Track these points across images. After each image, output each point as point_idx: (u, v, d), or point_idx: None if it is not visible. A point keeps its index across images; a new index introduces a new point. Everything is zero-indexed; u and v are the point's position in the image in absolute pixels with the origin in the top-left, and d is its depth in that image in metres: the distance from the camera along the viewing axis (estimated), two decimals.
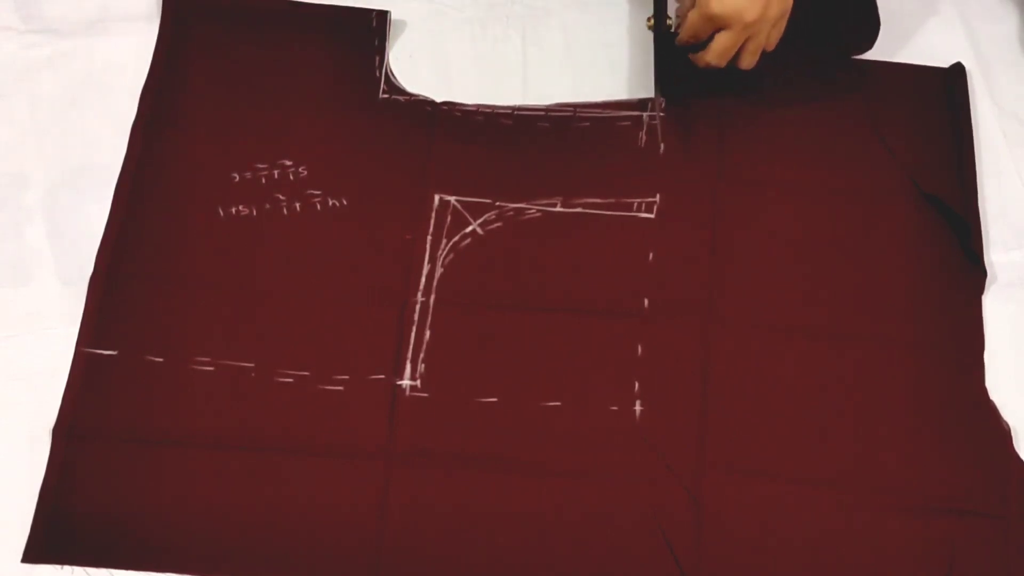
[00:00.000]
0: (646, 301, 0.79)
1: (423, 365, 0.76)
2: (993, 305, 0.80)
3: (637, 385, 0.76)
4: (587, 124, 0.86)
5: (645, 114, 0.86)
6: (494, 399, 0.75)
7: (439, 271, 0.79)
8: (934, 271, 0.80)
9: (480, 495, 0.72)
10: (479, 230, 0.81)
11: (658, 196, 0.83)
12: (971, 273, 0.80)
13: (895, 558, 0.71)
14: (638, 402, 0.76)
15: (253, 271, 0.79)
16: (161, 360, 0.75)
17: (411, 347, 0.76)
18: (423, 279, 0.79)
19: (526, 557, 0.71)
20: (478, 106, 0.86)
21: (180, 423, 0.73)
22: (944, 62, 0.90)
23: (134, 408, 0.74)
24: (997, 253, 0.82)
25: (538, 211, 0.82)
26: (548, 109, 0.86)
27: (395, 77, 0.87)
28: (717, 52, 0.80)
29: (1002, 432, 0.74)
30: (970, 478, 0.73)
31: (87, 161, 0.84)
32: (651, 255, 0.80)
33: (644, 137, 0.85)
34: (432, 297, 0.78)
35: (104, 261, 0.78)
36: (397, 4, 0.92)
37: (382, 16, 0.89)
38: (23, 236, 0.81)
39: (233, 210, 0.81)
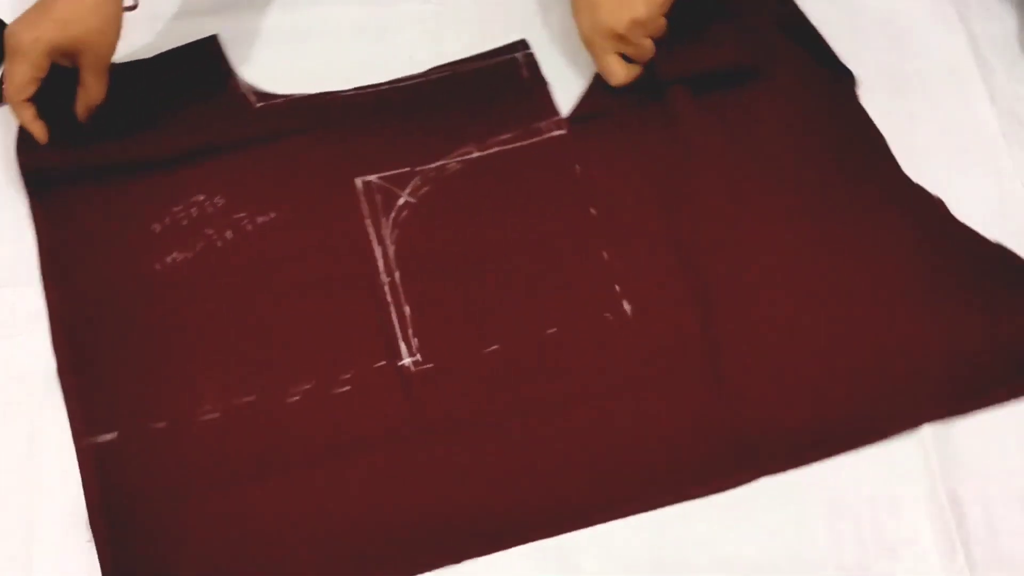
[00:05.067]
0: (593, 210, 0.81)
1: (416, 339, 0.76)
2: None
3: (618, 287, 0.78)
4: (470, 77, 0.88)
5: (518, 54, 0.89)
6: (496, 347, 0.76)
7: (391, 248, 0.79)
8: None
9: (517, 442, 0.73)
10: (411, 199, 0.81)
11: (559, 114, 0.86)
12: (843, 84, 0.85)
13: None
14: (624, 302, 0.77)
15: (218, 309, 0.77)
16: (164, 424, 0.73)
17: (398, 327, 0.77)
18: (380, 261, 0.79)
19: (574, 485, 0.72)
20: (357, 89, 0.87)
21: (207, 473, 0.72)
22: (944, 62, 0.90)
23: (159, 477, 0.71)
24: None
25: (458, 163, 0.83)
26: (427, 74, 0.88)
27: (256, 85, 0.87)
28: (639, 54, 0.84)
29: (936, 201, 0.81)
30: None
31: None
32: (577, 167, 0.83)
33: (526, 72, 0.88)
34: (397, 274, 0.78)
35: (65, 357, 0.75)
36: (398, 4, 0.92)
37: (212, 42, 0.89)
38: (23, 236, 0.81)
39: (169, 260, 0.79)
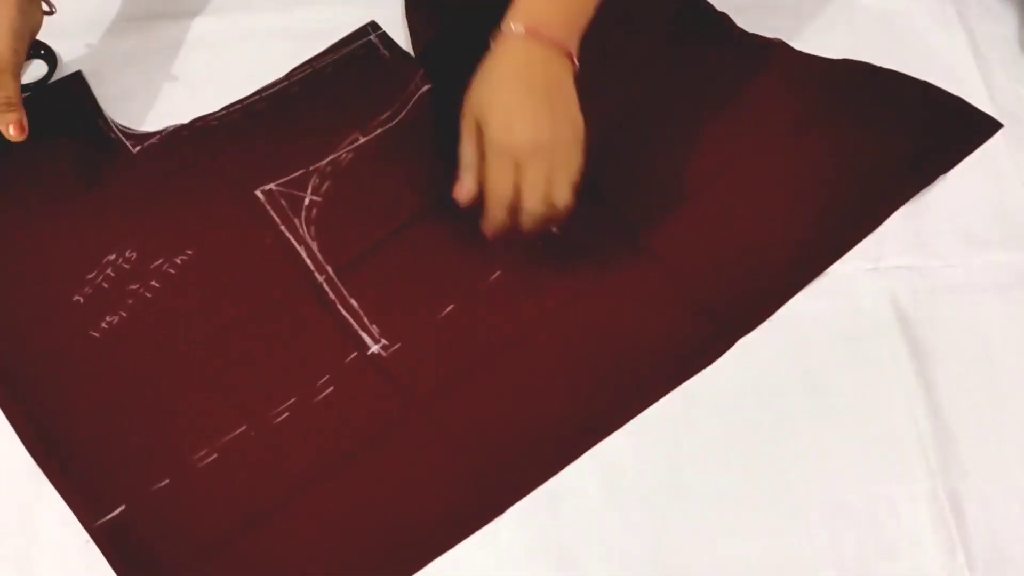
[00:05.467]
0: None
1: (375, 326, 0.77)
2: (993, 305, 0.80)
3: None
4: (332, 69, 0.88)
5: (372, 36, 0.90)
6: (450, 307, 0.77)
7: (314, 245, 0.80)
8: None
9: (510, 387, 0.74)
10: (316, 197, 0.81)
11: (420, 75, 0.87)
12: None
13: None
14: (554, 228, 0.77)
15: (175, 357, 0.75)
16: (167, 481, 0.71)
17: (352, 320, 0.77)
18: (309, 262, 0.79)
19: (575, 405, 0.74)
20: (225, 108, 0.86)
21: (226, 515, 0.70)
22: (944, 62, 0.90)
23: (178, 534, 0.70)
24: (997, 253, 0.82)
25: (349, 152, 0.83)
26: (289, 75, 0.88)
27: (126, 127, 0.85)
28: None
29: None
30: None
31: None
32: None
33: (384, 50, 0.90)
34: (329, 269, 0.79)
35: (42, 453, 0.72)
36: (398, 4, 0.92)
37: (79, 81, 0.87)
38: None
39: (105, 325, 0.76)
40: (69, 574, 0.69)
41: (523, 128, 0.70)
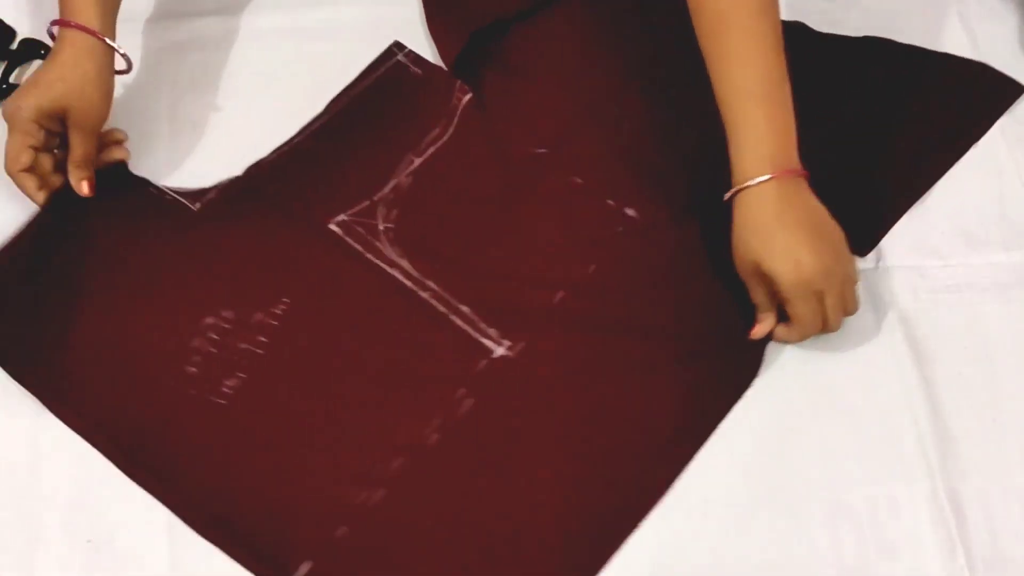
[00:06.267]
0: (542, 149, 0.85)
1: (493, 329, 0.77)
2: (993, 305, 0.80)
3: (611, 202, 0.83)
4: (369, 95, 0.88)
5: (399, 57, 0.90)
6: (561, 293, 0.79)
7: (406, 264, 0.79)
8: None
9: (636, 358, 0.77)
10: (389, 224, 0.81)
11: (459, 85, 0.88)
12: None
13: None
14: (628, 209, 0.81)
15: (309, 406, 0.74)
16: (346, 528, 0.70)
17: (469, 327, 0.77)
18: (407, 282, 0.79)
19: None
20: (275, 151, 0.84)
21: (415, 551, 0.70)
22: None
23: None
24: (997, 253, 0.82)
25: (408, 177, 0.83)
26: (328, 108, 0.87)
27: (178, 188, 0.83)
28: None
29: None
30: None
31: None
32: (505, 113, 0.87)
33: (415, 68, 0.89)
34: (431, 283, 0.78)
35: (203, 523, 0.70)
36: (398, 4, 0.92)
37: (121, 169, 0.82)
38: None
39: (227, 389, 0.74)
40: (69, 574, 0.69)
41: (811, 262, 0.72)
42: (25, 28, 0.90)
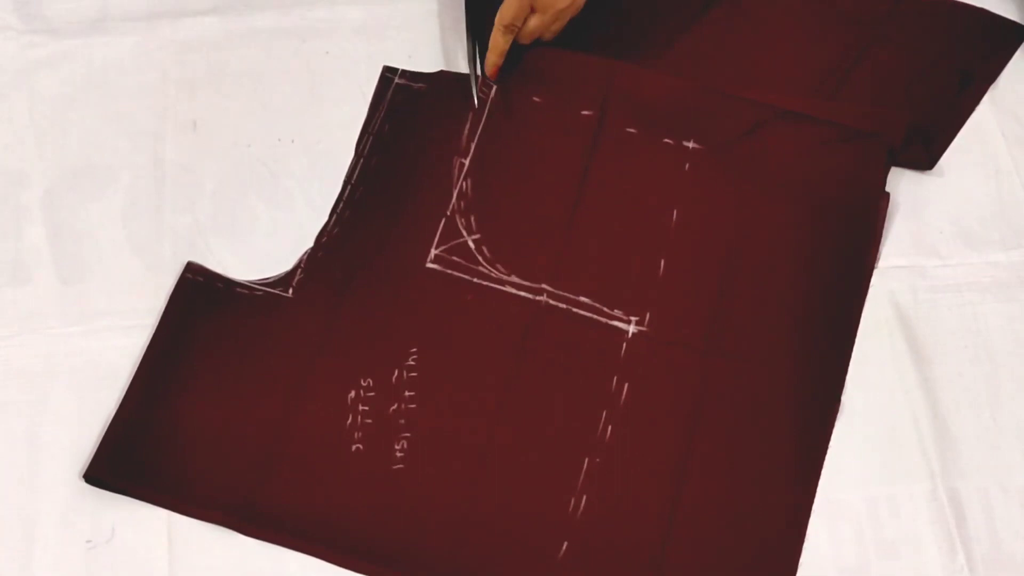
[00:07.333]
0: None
1: (617, 310, 0.78)
2: (993, 305, 0.80)
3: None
4: (388, 126, 0.86)
5: (397, 80, 0.88)
6: (663, 260, 0.80)
7: (514, 277, 0.79)
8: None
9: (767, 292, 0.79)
10: (476, 235, 0.81)
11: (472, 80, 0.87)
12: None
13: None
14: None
15: (484, 445, 0.74)
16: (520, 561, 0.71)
17: (595, 315, 0.78)
18: (521, 293, 0.79)
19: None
20: (333, 211, 0.83)
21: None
22: None
23: None
24: (997, 253, 0.82)
25: (465, 180, 0.83)
26: (358, 152, 0.85)
27: (262, 279, 0.80)
28: (527, 33, 0.85)
29: None
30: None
31: (87, 161, 0.84)
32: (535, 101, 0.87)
33: (420, 85, 0.88)
34: (544, 285, 0.79)
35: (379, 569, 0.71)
36: (398, 4, 0.92)
37: (198, 270, 0.80)
38: (23, 236, 0.81)
39: (399, 454, 0.74)
40: (69, 574, 0.69)
41: None
42: None
